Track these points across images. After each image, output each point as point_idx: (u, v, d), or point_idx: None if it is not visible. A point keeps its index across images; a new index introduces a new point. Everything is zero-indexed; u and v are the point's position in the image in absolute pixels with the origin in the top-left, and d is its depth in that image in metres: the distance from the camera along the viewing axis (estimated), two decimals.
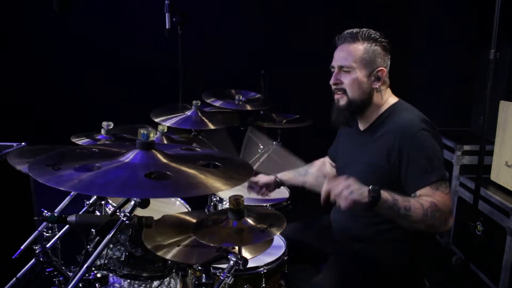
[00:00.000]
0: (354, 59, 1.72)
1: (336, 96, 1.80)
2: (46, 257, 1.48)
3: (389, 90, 1.82)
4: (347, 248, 1.82)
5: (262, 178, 2.21)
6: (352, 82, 1.73)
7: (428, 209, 1.53)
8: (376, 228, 1.73)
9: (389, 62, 1.79)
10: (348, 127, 1.89)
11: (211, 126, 2.34)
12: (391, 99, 1.81)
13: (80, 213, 1.65)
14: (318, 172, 2.20)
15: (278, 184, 2.23)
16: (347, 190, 1.48)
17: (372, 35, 1.74)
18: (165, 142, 2.15)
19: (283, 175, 2.23)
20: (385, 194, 1.50)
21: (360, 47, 1.73)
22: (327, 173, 2.18)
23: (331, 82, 1.79)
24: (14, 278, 1.68)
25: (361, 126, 1.85)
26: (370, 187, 1.49)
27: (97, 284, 1.46)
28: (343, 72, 1.75)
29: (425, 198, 1.57)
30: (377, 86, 1.75)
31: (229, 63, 3.77)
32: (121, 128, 2.14)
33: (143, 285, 1.81)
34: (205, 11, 3.80)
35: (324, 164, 2.22)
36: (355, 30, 1.75)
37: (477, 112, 3.47)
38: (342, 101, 1.77)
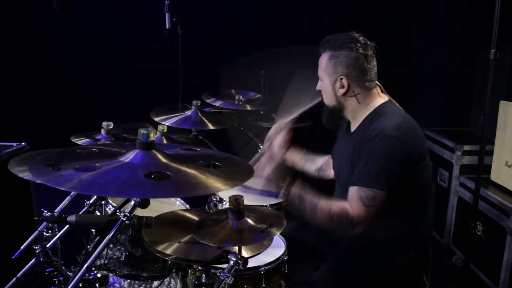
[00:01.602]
0: (321, 69, 1.82)
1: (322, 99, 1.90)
2: (46, 257, 1.49)
3: (374, 92, 1.79)
4: (346, 246, 1.83)
5: (276, 146, 2.03)
6: (323, 90, 1.85)
7: (334, 213, 1.64)
8: (376, 227, 1.73)
9: (371, 64, 1.76)
10: (337, 128, 1.97)
11: (211, 126, 2.34)
12: (378, 100, 1.79)
13: (80, 213, 1.65)
14: (324, 166, 2.19)
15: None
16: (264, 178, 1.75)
17: (339, 42, 1.74)
18: (165, 142, 2.15)
19: (292, 155, 2.14)
20: (295, 192, 1.69)
21: (325, 58, 1.79)
22: (329, 171, 2.16)
23: (316, 88, 1.89)
24: (14, 278, 1.68)
25: (352, 128, 1.87)
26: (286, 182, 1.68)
27: (97, 284, 1.46)
28: (320, 80, 1.85)
29: (338, 204, 1.66)
30: (342, 93, 1.76)
31: (229, 63, 3.77)
32: (122, 127, 2.14)
33: (143, 285, 1.81)
34: (205, 11, 3.80)
35: (330, 162, 2.21)
36: (326, 39, 1.79)
37: (477, 112, 3.47)
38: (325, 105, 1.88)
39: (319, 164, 2.18)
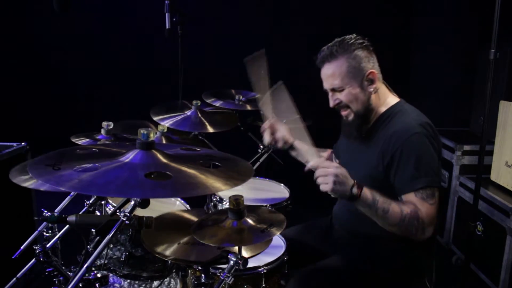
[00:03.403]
0: (341, 78, 1.71)
1: (343, 113, 1.80)
2: (46, 257, 1.49)
3: (385, 88, 1.80)
4: (347, 246, 1.83)
5: (282, 132, 2.06)
6: (349, 97, 1.74)
7: (406, 215, 1.58)
8: (377, 226, 1.73)
9: (375, 58, 1.76)
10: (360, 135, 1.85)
11: (211, 129, 2.34)
12: (390, 100, 1.80)
13: (80, 213, 1.65)
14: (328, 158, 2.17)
15: (290, 147, 2.09)
16: (331, 177, 1.53)
17: (347, 44, 1.72)
18: (165, 142, 2.15)
19: (299, 144, 2.09)
20: (366, 193, 1.57)
21: (340, 63, 1.71)
22: None
23: (331, 105, 1.79)
24: (14, 278, 1.67)
25: (364, 128, 1.85)
26: (354, 181, 1.55)
27: (97, 284, 1.46)
28: (337, 92, 1.75)
29: (409, 205, 1.60)
30: (373, 89, 1.75)
31: (229, 63, 3.77)
32: (122, 124, 2.14)
33: (143, 285, 1.81)
34: (205, 11, 3.80)
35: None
36: (329, 49, 1.73)
37: (477, 112, 3.47)
38: (350, 116, 1.78)
39: (325, 154, 2.18)
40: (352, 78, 1.71)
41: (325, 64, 1.74)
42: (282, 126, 2.07)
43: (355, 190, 1.55)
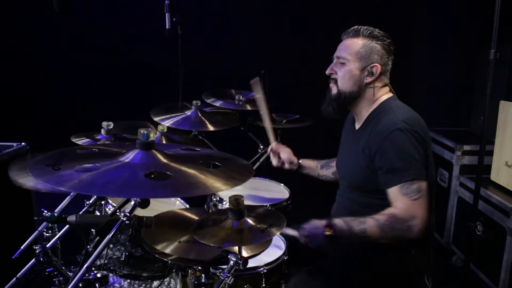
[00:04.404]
0: (350, 52, 1.78)
1: (330, 85, 1.86)
2: (46, 257, 1.49)
3: (385, 89, 1.83)
4: (346, 246, 1.83)
5: (285, 154, 2.16)
6: (344, 73, 1.79)
7: (385, 224, 1.59)
8: None
9: (390, 63, 1.81)
10: (334, 118, 1.90)
11: (211, 127, 2.34)
12: (384, 97, 1.82)
13: (80, 213, 1.65)
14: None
15: (298, 167, 2.19)
16: (307, 241, 1.64)
17: (374, 33, 1.78)
18: (165, 142, 2.15)
19: (305, 162, 2.20)
20: (339, 228, 1.61)
21: (359, 42, 1.78)
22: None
23: (327, 71, 1.85)
24: (14, 278, 1.68)
25: (357, 125, 1.88)
26: (323, 225, 1.61)
27: (97, 284, 1.46)
28: (339, 63, 1.82)
29: (383, 213, 1.62)
30: (369, 81, 1.78)
31: (229, 63, 3.77)
32: (122, 124, 2.14)
33: (143, 285, 1.81)
34: (205, 11, 3.80)
35: None
36: (359, 27, 1.81)
37: (477, 112, 3.47)
38: (333, 90, 1.84)
39: (335, 167, 2.18)
40: (358, 58, 1.77)
41: (347, 38, 1.83)
42: (284, 149, 2.17)
43: (328, 233, 1.61)
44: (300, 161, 2.19)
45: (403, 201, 1.60)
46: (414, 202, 1.60)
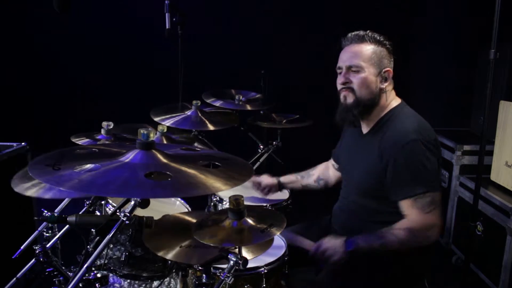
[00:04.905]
0: (363, 59, 1.74)
1: (343, 93, 1.79)
2: (46, 257, 1.48)
3: (393, 93, 1.84)
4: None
5: (265, 180, 2.22)
6: (362, 81, 1.74)
7: (403, 238, 1.62)
8: (376, 228, 1.73)
9: (392, 64, 1.82)
10: (353, 127, 1.90)
11: (211, 127, 2.34)
12: (393, 102, 1.82)
13: (80, 213, 1.65)
14: (321, 175, 2.21)
15: (280, 186, 2.24)
16: (326, 255, 1.67)
17: (378, 38, 1.78)
18: (165, 142, 2.14)
19: (285, 178, 2.24)
20: (359, 244, 1.65)
21: (368, 48, 1.76)
22: (329, 178, 2.18)
23: (341, 81, 1.79)
24: (14, 278, 1.67)
25: (364, 129, 1.86)
26: (344, 242, 1.65)
27: (97, 284, 1.46)
28: (351, 72, 1.76)
29: (400, 227, 1.64)
30: (384, 87, 1.77)
31: (229, 63, 3.77)
32: (122, 127, 2.14)
33: (143, 285, 1.81)
34: (205, 11, 3.80)
35: (327, 169, 2.22)
36: (361, 32, 1.78)
37: (477, 112, 3.47)
38: (350, 99, 1.77)
39: (316, 175, 2.21)
40: (372, 65, 1.74)
41: (352, 44, 1.78)
42: (261, 177, 2.23)
43: (350, 248, 1.65)
44: (280, 178, 2.22)
45: (419, 216, 1.63)
46: (429, 216, 1.62)
